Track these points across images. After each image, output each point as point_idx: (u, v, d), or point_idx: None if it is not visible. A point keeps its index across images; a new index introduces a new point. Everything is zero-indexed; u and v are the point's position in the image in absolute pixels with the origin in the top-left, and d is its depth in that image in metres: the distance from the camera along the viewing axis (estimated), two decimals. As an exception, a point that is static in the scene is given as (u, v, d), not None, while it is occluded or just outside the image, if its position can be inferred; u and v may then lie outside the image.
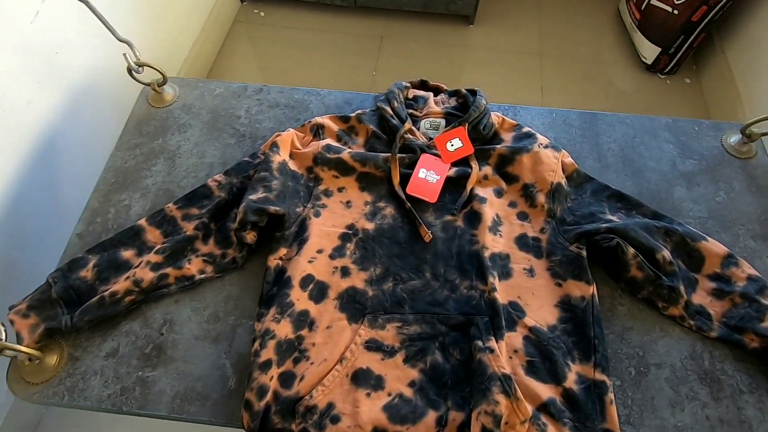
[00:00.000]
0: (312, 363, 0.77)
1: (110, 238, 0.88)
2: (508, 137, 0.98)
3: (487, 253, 0.85)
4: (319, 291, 0.84)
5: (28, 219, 1.14)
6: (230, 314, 0.84)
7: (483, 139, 0.97)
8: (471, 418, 0.71)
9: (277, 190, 0.89)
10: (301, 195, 0.92)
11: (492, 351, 0.75)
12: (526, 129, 0.98)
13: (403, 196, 0.90)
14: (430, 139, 0.97)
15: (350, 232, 0.89)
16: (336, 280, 0.85)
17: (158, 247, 0.86)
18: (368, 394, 0.75)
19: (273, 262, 0.86)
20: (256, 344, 0.78)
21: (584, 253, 0.85)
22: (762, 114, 0.94)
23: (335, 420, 0.72)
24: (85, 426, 1.37)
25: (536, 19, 2.24)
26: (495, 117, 1.00)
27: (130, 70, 0.97)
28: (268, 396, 0.74)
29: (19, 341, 0.77)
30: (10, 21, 1.02)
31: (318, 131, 0.99)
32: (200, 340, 0.82)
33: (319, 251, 0.87)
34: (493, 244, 0.87)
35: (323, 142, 0.96)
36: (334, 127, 0.99)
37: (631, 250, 0.83)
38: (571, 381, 0.76)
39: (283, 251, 0.87)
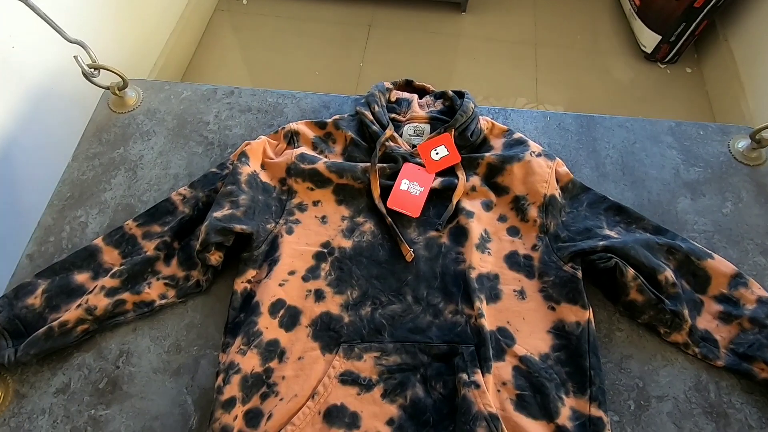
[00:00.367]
0: (281, 399, 0.70)
1: (63, 260, 0.80)
2: (497, 144, 0.91)
3: (474, 274, 0.78)
4: (290, 317, 0.77)
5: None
6: (193, 344, 0.77)
7: (471, 146, 0.90)
8: (454, 463, 0.65)
9: (245, 205, 0.82)
10: (272, 210, 0.85)
11: (478, 386, 0.69)
12: (517, 135, 0.90)
13: (384, 211, 0.83)
14: (414, 146, 0.90)
15: (325, 251, 0.82)
16: (309, 305, 0.78)
17: (115, 269, 0.79)
18: (342, 435, 0.68)
19: (240, 285, 0.79)
20: (220, 379, 0.71)
21: (580, 273, 0.78)
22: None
23: (305, 464, 0.66)
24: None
25: (531, 7, 2.15)
26: (484, 122, 0.92)
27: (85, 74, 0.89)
28: (232, 438, 0.67)
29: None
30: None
31: (293, 138, 0.91)
32: (159, 374, 0.75)
33: (291, 273, 0.79)
34: (481, 263, 0.80)
35: (297, 151, 0.88)
36: (310, 133, 0.92)
37: (631, 272, 0.76)
38: (564, 417, 0.69)
39: (251, 273, 0.80)
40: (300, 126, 0.92)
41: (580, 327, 0.75)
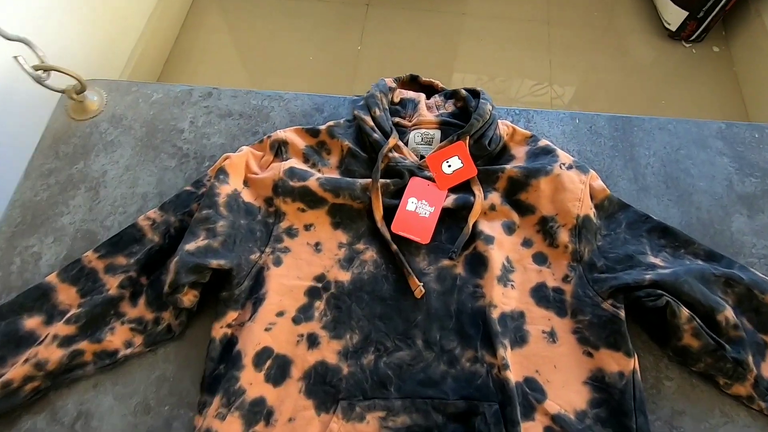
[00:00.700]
0: (269, 472, 0.59)
1: (10, 301, 0.69)
2: (520, 153, 0.78)
3: (495, 313, 0.66)
4: (278, 369, 0.65)
5: None
6: (164, 402, 0.65)
7: (488, 156, 0.77)
8: None
9: (223, 234, 0.69)
10: (257, 236, 0.72)
11: (504, 458, 0.57)
12: (543, 142, 0.77)
13: (388, 236, 0.71)
14: (422, 157, 0.77)
15: (320, 285, 0.70)
16: (301, 353, 0.66)
17: (71, 312, 0.67)
18: None
19: (219, 331, 0.67)
20: (195, 450, 0.59)
21: (622, 313, 0.66)
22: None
23: None
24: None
25: (543, -19, 1.99)
26: (503, 126, 0.79)
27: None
28: None
29: None
30: None
31: (280, 149, 0.78)
32: (125, 440, 0.63)
33: (280, 314, 0.67)
34: (504, 299, 0.68)
35: (286, 165, 0.75)
36: (301, 143, 0.79)
37: (685, 312, 0.63)
38: (608, 491, 0.58)
39: (232, 316, 0.68)
40: (289, 134, 0.79)
41: (624, 379, 0.63)
